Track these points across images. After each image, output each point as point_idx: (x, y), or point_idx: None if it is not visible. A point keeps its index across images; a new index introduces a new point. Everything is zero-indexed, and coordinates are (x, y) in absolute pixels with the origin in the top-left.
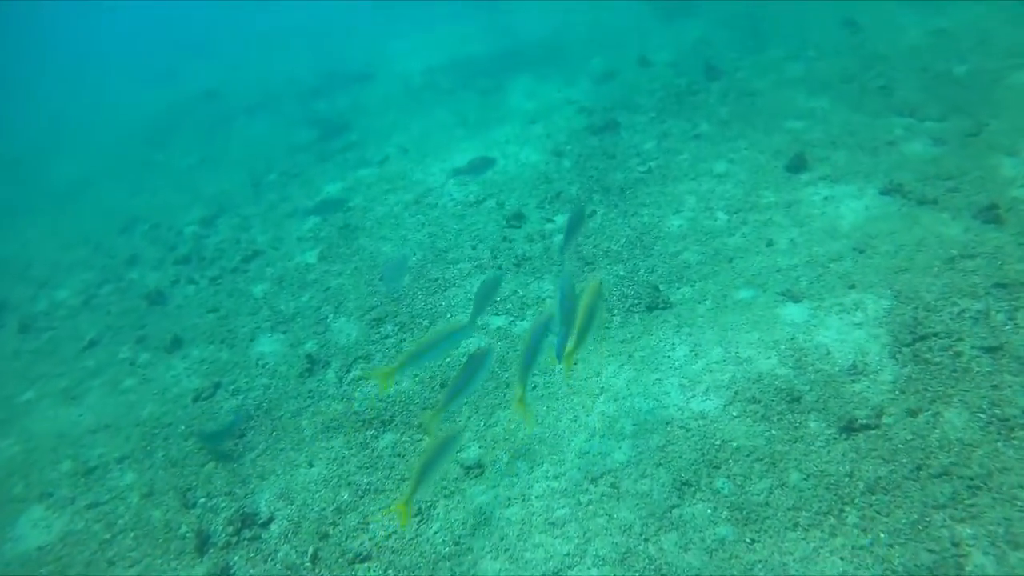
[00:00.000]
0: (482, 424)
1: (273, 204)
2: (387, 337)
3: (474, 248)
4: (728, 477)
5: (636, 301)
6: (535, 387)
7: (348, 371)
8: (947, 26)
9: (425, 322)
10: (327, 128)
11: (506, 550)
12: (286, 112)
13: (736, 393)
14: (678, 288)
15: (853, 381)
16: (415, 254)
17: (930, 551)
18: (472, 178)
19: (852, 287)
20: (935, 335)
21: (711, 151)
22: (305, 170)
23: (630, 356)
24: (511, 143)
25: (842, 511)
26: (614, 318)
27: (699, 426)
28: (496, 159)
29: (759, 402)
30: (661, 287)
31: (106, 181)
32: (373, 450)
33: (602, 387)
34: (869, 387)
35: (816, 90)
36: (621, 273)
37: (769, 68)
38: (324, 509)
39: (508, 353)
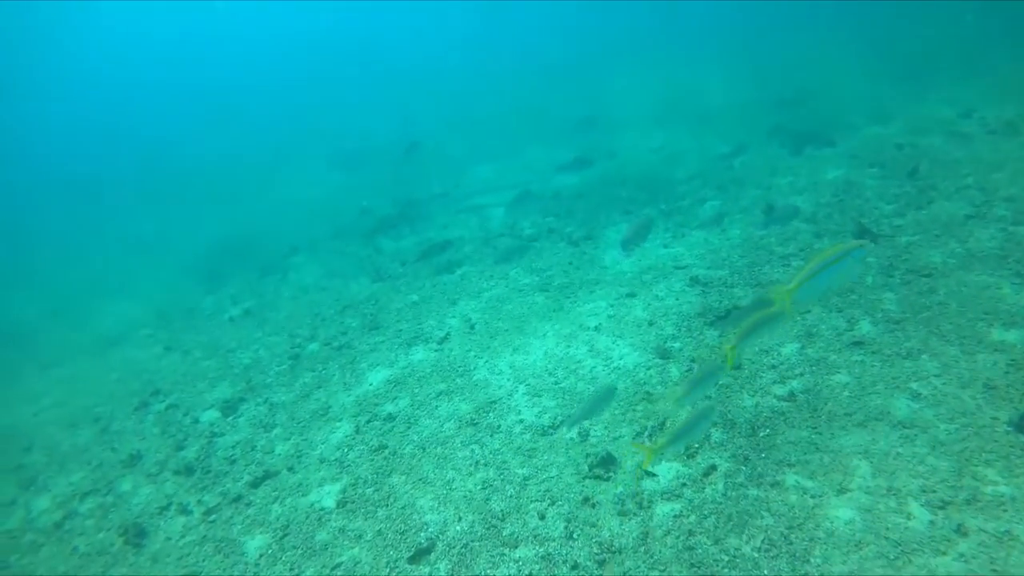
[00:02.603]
0: None
1: (307, 390)
2: None
3: (542, 518)
4: None
5: None
6: None
7: None
8: None
9: None
10: (386, 279)
11: None
12: (349, 251)
13: None
14: None
15: None
16: (459, 520)
17: None
18: (549, 385)
19: None
20: None
21: (882, 373)
22: (353, 341)
23: None
24: (602, 330)
25: None
26: None
27: None
28: (581, 360)
29: None
30: None
31: (145, 331)
32: None
33: None
34: None
35: None
36: None
37: (945, 231)
38: None
39: None
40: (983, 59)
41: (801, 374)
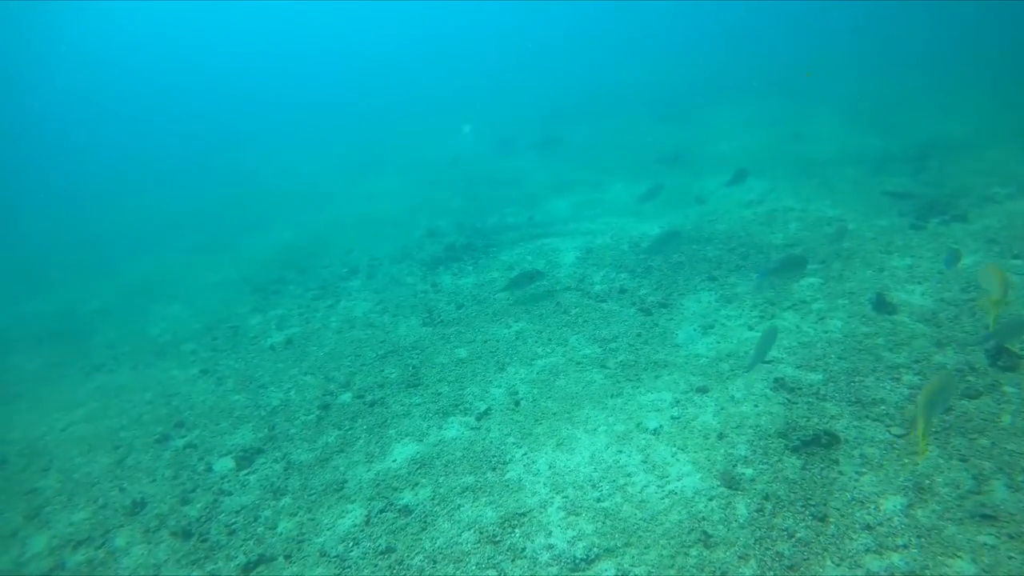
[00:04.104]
0: None
1: (328, 452)
2: None
3: None
4: None
5: None
6: None
7: None
8: None
9: None
10: (436, 324)
11: None
12: (407, 282)
13: None
14: None
15: None
16: None
17: None
18: (590, 502)
19: None
20: None
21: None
22: (388, 397)
23: None
24: (662, 436)
25: None
26: None
27: None
28: (632, 474)
29: None
30: None
31: (189, 346)
32: None
33: None
34: None
35: None
36: None
37: None
38: None
39: None
40: None
41: (906, 546)
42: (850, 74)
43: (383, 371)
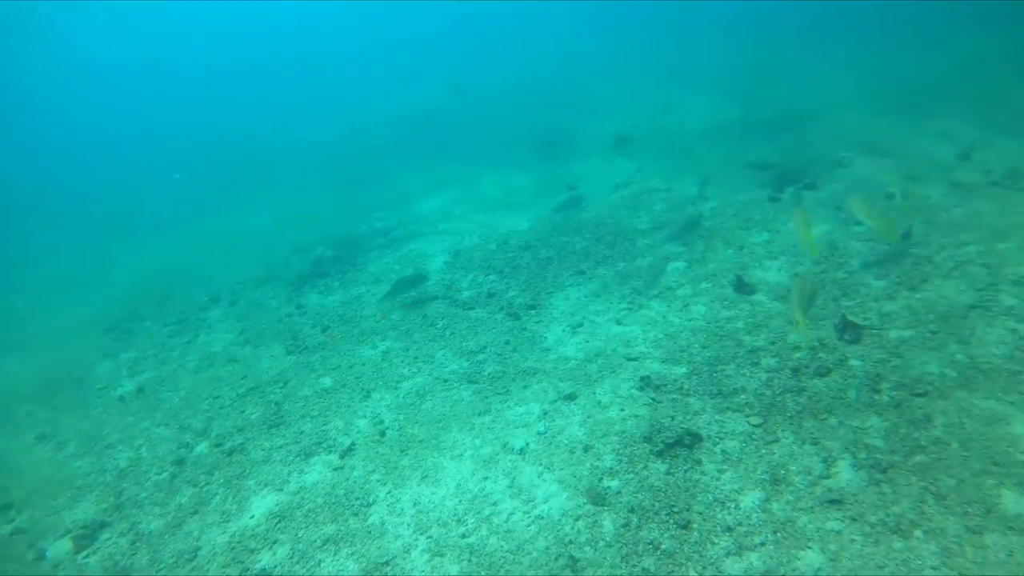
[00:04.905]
0: None
1: (181, 516)
2: None
3: None
4: None
5: None
6: None
7: None
8: None
9: None
10: (301, 352)
11: None
12: (271, 306)
13: None
14: None
15: None
16: None
17: None
18: (455, 539)
19: None
20: None
21: (864, 558)
22: (248, 443)
23: None
24: (528, 455)
25: None
26: None
27: None
28: (498, 502)
29: None
30: None
31: (25, 407)
32: None
33: None
34: None
35: None
36: None
37: (943, 326)
38: None
39: None
40: (997, 84)
41: (763, 543)
42: (724, 47)
43: (244, 412)
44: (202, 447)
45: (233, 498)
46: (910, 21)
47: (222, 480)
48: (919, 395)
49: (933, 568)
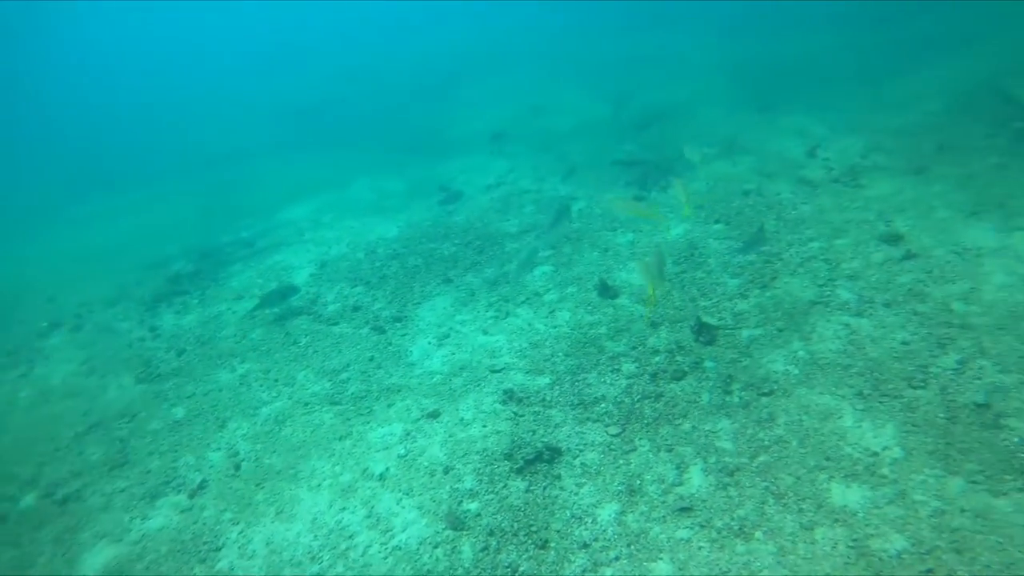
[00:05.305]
0: None
1: None
2: None
3: None
4: None
5: None
6: None
7: None
8: None
9: None
10: (153, 380)
11: None
12: (122, 329)
13: None
14: None
15: None
16: None
17: None
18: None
19: None
20: None
21: (710, 564)
22: (84, 489)
23: None
24: (388, 481)
25: None
26: None
27: None
28: (355, 534)
29: None
30: None
31: None
32: None
33: None
34: None
35: None
36: None
37: (789, 323)
38: None
39: None
40: (852, 77)
41: (617, 558)
42: (596, 42)
43: (83, 453)
44: (29, 499)
45: (63, 556)
46: (779, 13)
47: (51, 535)
48: (765, 394)
49: (769, 569)
